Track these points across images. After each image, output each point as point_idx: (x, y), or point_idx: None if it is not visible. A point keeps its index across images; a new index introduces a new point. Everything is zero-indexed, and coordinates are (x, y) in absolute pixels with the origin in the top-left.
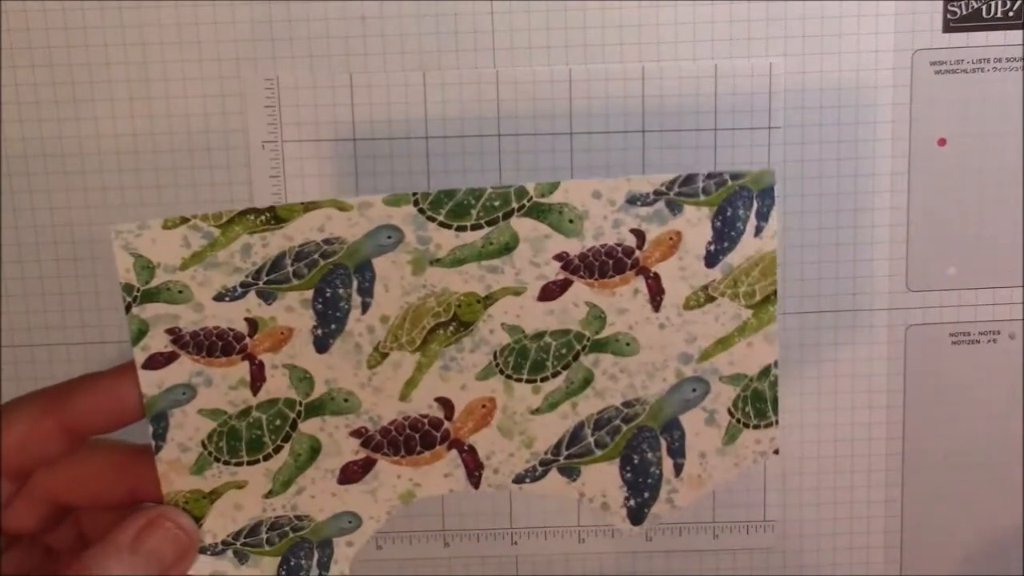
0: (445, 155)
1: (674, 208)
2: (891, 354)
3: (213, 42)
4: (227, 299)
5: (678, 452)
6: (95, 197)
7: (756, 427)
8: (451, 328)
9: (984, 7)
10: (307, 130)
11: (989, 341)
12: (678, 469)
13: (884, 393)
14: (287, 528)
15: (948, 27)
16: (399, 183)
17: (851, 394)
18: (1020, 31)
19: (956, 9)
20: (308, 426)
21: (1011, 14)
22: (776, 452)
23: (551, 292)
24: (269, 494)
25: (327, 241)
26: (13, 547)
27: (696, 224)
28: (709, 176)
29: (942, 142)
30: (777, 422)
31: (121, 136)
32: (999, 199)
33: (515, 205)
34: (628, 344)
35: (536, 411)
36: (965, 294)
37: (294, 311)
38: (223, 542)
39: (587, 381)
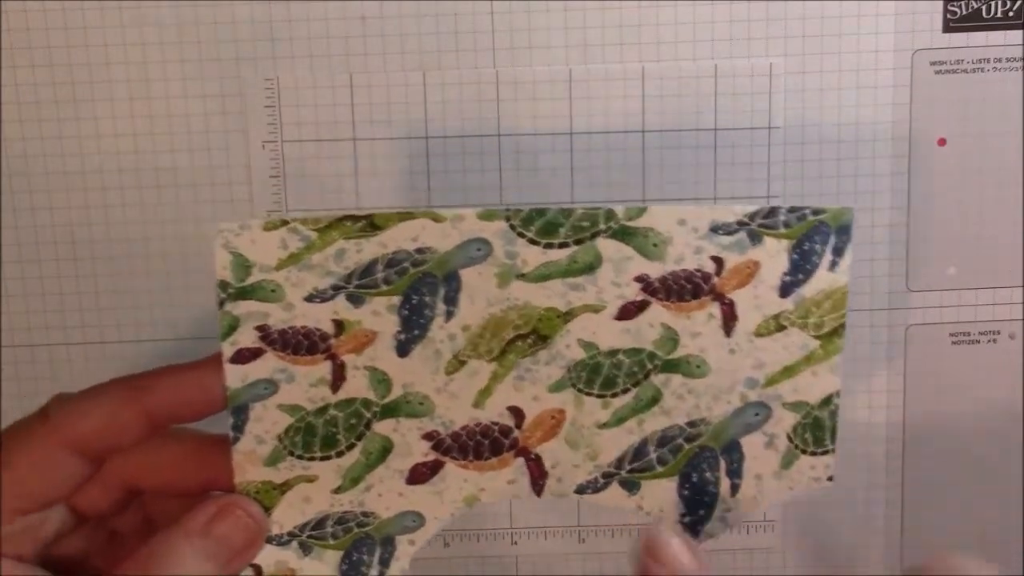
0: (445, 155)
1: (755, 239)
2: (891, 354)
3: (213, 42)
4: (317, 300)
5: (736, 473)
6: (95, 197)
7: (813, 454)
8: (529, 340)
9: (984, 7)
10: (307, 130)
11: (989, 341)
12: (734, 489)
13: (884, 393)
14: (352, 523)
15: (948, 27)
16: (399, 183)
17: (851, 394)
18: (1020, 31)
19: (956, 9)
20: (382, 426)
21: (1011, 14)
22: (831, 479)
23: (629, 312)
24: (338, 490)
25: (419, 251)
26: (79, 528)
27: (774, 255)
28: (791, 210)
29: (942, 142)
30: (834, 450)
31: (121, 136)
32: (999, 199)
33: (602, 227)
34: (698, 366)
35: (603, 425)
36: (965, 294)
37: (380, 315)
38: (289, 533)
39: (655, 399)
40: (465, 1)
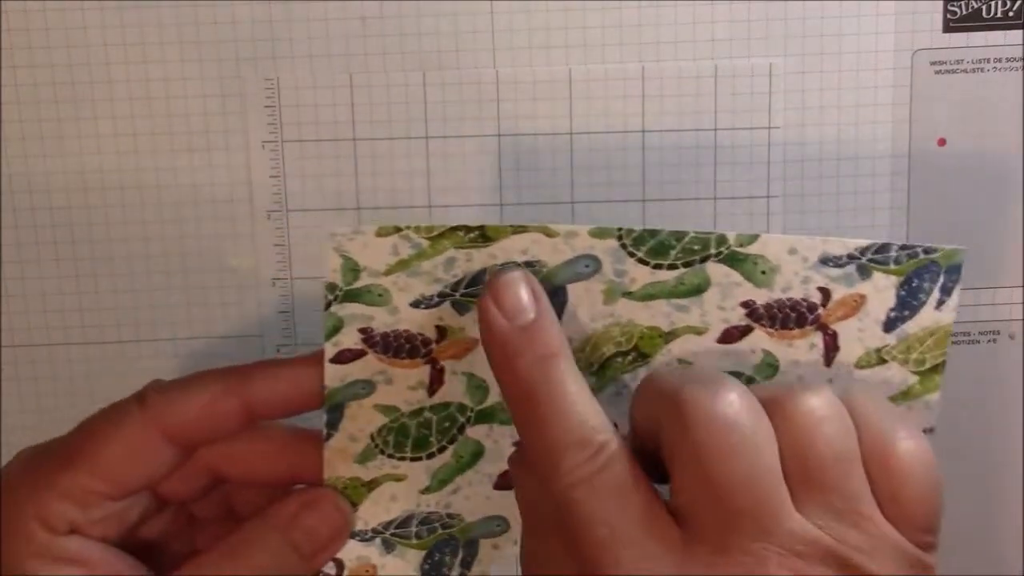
0: (445, 155)
1: (864, 273)
2: None
3: (213, 42)
4: (423, 306)
5: None
6: (95, 197)
7: None
8: (629, 357)
9: (984, 7)
10: (307, 130)
11: (989, 341)
12: None
13: None
14: (437, 524)
15: (948, 27)
16: (399, 183)
17: None
18: (1020, 31)
19: (956, 9)
20: (475, 431)
21: (1011, 14)
22: None
23: (731, 336)
24: (426, 490)
25: (528, 263)
26: (161, 512)
27: (882, 291)
28: (903, 248)
29: (942, 142)
30: None
31: (121, 136)
32: (999, 199)
33: (713, 251)
34: None
35: None
36: (965, 294)
37: None
38: (373, 530)
39: None
40: (465, 1)
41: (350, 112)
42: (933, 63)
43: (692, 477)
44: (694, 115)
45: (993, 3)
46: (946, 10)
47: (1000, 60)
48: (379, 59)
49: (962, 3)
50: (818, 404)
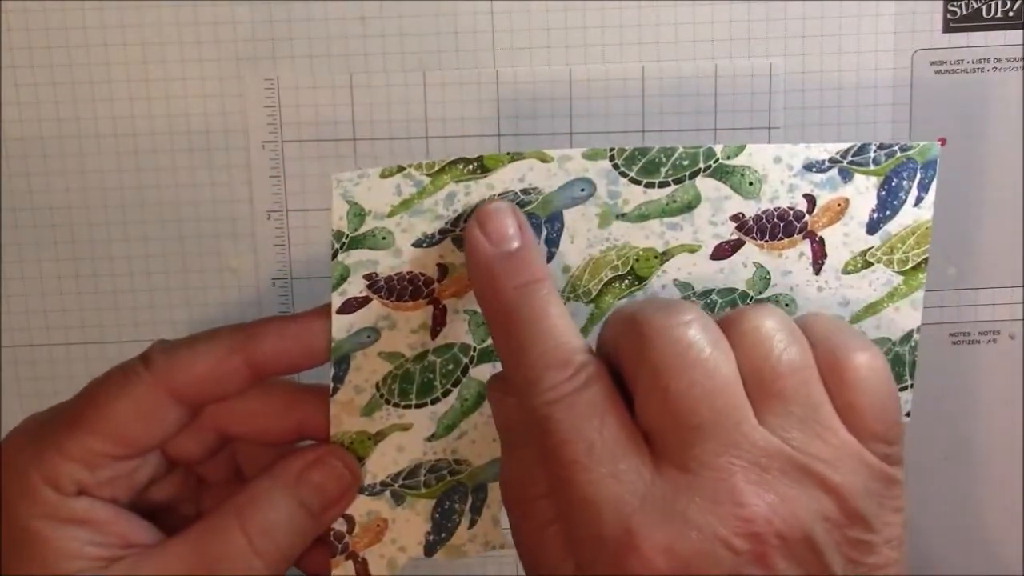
0: (445, 155)
1: (846, 176)
2: None
3: (213, 42)
4: (424, 245)
5: None
6: (95, 197)
7: None
8: (626, 281)
9: (984, 7)
10: (307, 130)
11: (989, 341)
12: None
13: None
14: (445, 471)
15: (948, 27)
16: None
17: None
18: (1020, 31)
19: (956, 9)
20: (478, 372)
21: (1011, 14)
22: (908, 415)
23: (723, 251)
24: (432, 437)
25: (525, 191)
26: (170, 474)
27: (864, 192)
28: (880, 147)
29: (942, 142)
30: (912, 385)
31: (121, 136)
32: (999, 199)
33: (702, 165)
34: (787, 304)
35: None
36: (965, 294)
37: None
38: (382, 483)
39: None
40: (465, 1)
41: (350, 112)
42: (933, 63)
43: (652, 396)
44: (694, 115)
45: (993, 3)
46: (946, 10)
47: (1000, 60)
48: (379, 59)
49: (962, 3)
50: (771, 321)
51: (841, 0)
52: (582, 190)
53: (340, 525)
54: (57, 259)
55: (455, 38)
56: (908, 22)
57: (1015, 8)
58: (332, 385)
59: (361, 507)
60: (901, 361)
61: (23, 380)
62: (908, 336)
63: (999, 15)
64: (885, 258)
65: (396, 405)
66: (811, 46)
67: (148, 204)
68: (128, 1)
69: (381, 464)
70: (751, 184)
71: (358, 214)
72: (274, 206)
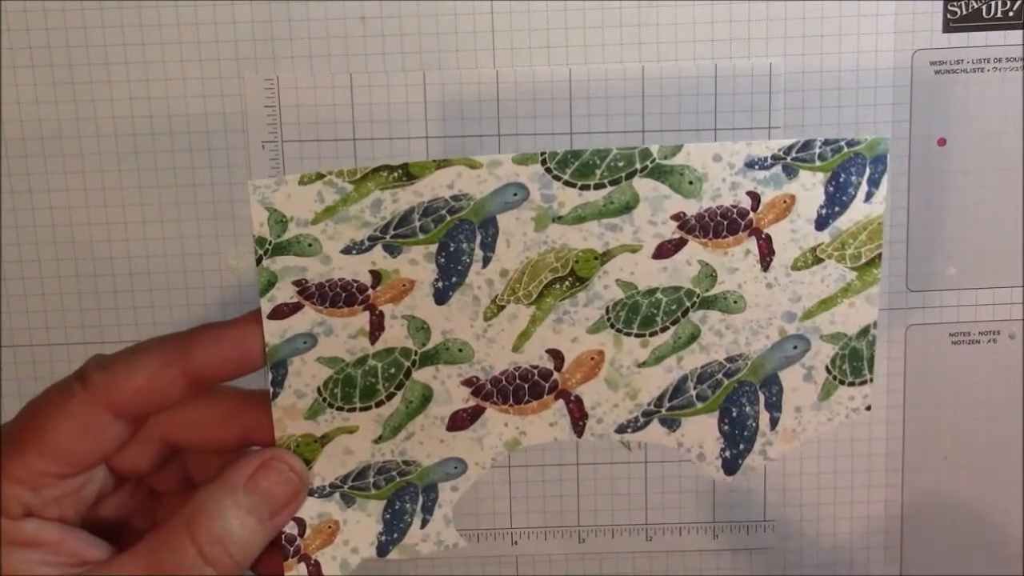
0: (445, 155)
1: (790, 172)
2: (891, 354)
3: (213, 42)
4: (354, 252)
5: (775, 406)
6: (95, 197)
7: (851, 384)
8: (567, 283)
9: (984, 7)
10: (307, 130)
11: (989, 341)
12: (774, 423)
13: (884, 393)
14: (394, 472)
15: (948, 27)
16: None
17: None
18: (1020, 31)
19: (956, 9)
20: (421, 374)
21: (1011, 14)
22: (868, 408)
23: (666, 250)
24: (379, 439)
25: (455, 197)
26: (119, 488)
27: (810, 188)
28: (826, 142)
29: (942, 142)
30: (872, 380)
31: (121, 136)
32: (999, 199)
33: (638, 166)
34: (736, 302)
35: (643, 364)
36: (965, 294)
37: (417, 264)
38: (331, 484)
39: (693, 336)
40: (465, 1)
41: (350, 112)
42: (933, 63)
43: None
44: (694, 115)
45: (993, 3)
46: (946, 10)
47: (1000, 60)
48: (379, 59)
49: (962, 3)
50: None
51: (841, 0)
52: (515, 194)
53: (291, 528)
54: (57, 259)
55: (455, 38)
56: (908, 22)
57: (1015, 8)
58: (272, 390)
59: (311, 509)
60: (859, 355)
61: (23, 380)
62: (865, 331)
63: (999, 15)
64: (836, 254)
65: (340, 408)
66: (811, 46)
67: (148, 204)
68: (128, 1)
69: (329, 466)
70: (691, 183)
71: (279, 220)
72: None
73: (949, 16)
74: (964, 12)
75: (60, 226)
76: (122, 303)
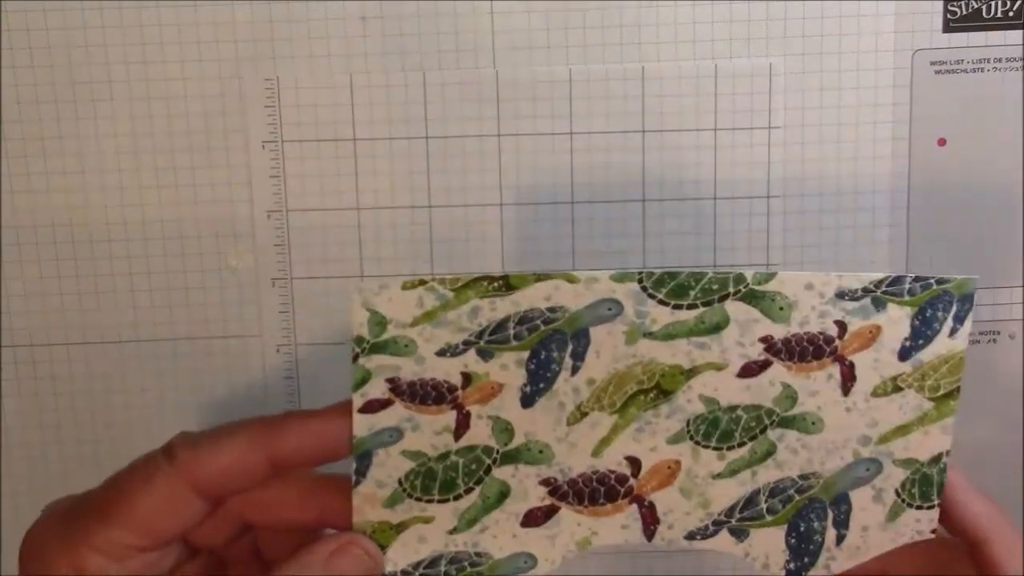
0: (445, 155)
1: (879, 305)
2: None
3: (213, 42)
4: (448, 355)
5: (843, 524)
6: (95, 197)
7: (919, 508)
8: (652, 395)
9: (984, 7)
10: (307, 130)
11: (989, 341)
12: (840, 539)
13: None
14: (465, 563)
15: (948, 27)
16: (398, 183)
17: None
18: (1020, 31)
19: (956, 9)
20: (501, 472)
21: (1011, 14)
22: (933, 532)
23: (751, 370)
24: (454, 530)
25: (551, 309)
26: (193, 558)
27: (897, 322)
28: (916, 279)
29: (942, 142)
30: (939, 505)
31: (121, 136)
32: (999, 199)
33: (731, 290)
34: (814, 423)
35: (717, 476)
36: None
37: (508, 369)
38: (403, 571)
39: (769, 453)
40: (465, 1)
41: (350, 112)
42: (933, 63)
43: None
44: (694, 115)
45: (993, 3)
46: (946, 10)
47: (1000, 60)
48: (379, 59)
49: (962, 3)
50: None
51: (841, 0)
52: (609, 309)
53: None
54: (57, 259)
55: (455, 38)
56: (908, 22)
57: (1015, 8)
58: (355, 478)
59: None
60: (929, 481)
61: (23, 380)
62: (937, 458)
63: (999, 15)
64: (916, 384)
65: (419, 499)
66: (811, 46)
67: (148, 204)
68: (128, 1)
69: (403, 553)
70: (781, 309)
71: (379, 322)
72: (274, 206)
73: (949, 16)
74: (964, 12)
75: (60, 226)
76: (122, 303)
